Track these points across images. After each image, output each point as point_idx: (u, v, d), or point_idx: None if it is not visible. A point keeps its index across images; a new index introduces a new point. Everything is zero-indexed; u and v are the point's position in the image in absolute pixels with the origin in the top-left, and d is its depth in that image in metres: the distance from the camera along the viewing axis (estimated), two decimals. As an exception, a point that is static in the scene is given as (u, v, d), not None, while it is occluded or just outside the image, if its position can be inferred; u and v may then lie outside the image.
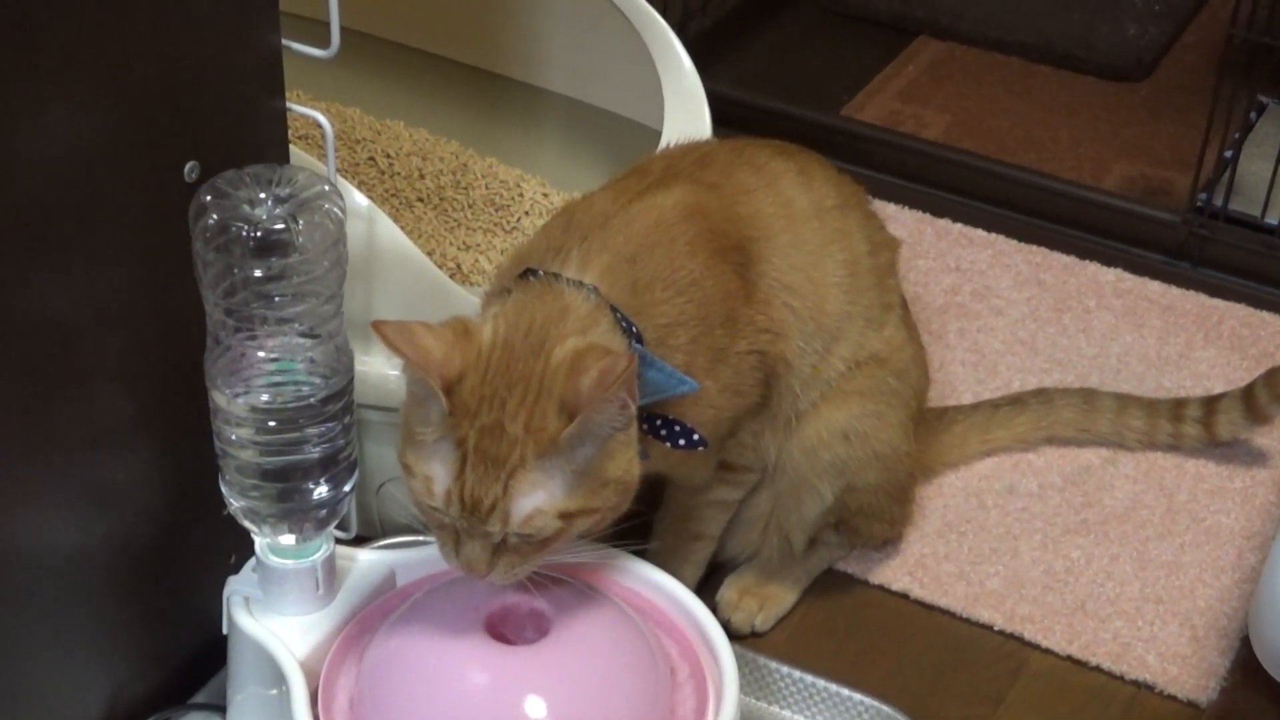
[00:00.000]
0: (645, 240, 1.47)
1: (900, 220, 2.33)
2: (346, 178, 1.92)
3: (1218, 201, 2.26)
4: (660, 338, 1.43)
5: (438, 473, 1.33)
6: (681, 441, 1.44)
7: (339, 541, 1.46)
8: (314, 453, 1.36)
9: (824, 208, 1.62)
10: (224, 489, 1.39)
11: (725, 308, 1.49)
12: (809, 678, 1.63)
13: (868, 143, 2.46)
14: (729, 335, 1.50)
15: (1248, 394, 1.91)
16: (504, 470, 1.30)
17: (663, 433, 1.43)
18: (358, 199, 1.62)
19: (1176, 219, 2.29)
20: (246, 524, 1.41)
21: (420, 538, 1.63)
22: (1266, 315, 2.20)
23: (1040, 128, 2.58)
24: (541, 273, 1.42)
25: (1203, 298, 2.23)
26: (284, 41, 1.43)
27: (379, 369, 1.65)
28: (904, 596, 1.81)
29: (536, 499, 1.31)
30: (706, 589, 1.73)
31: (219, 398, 1.34)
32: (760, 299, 1.54)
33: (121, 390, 1.40)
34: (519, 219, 2.08)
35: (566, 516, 1.32)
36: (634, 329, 1.40)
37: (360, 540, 1.62)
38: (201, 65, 1.36)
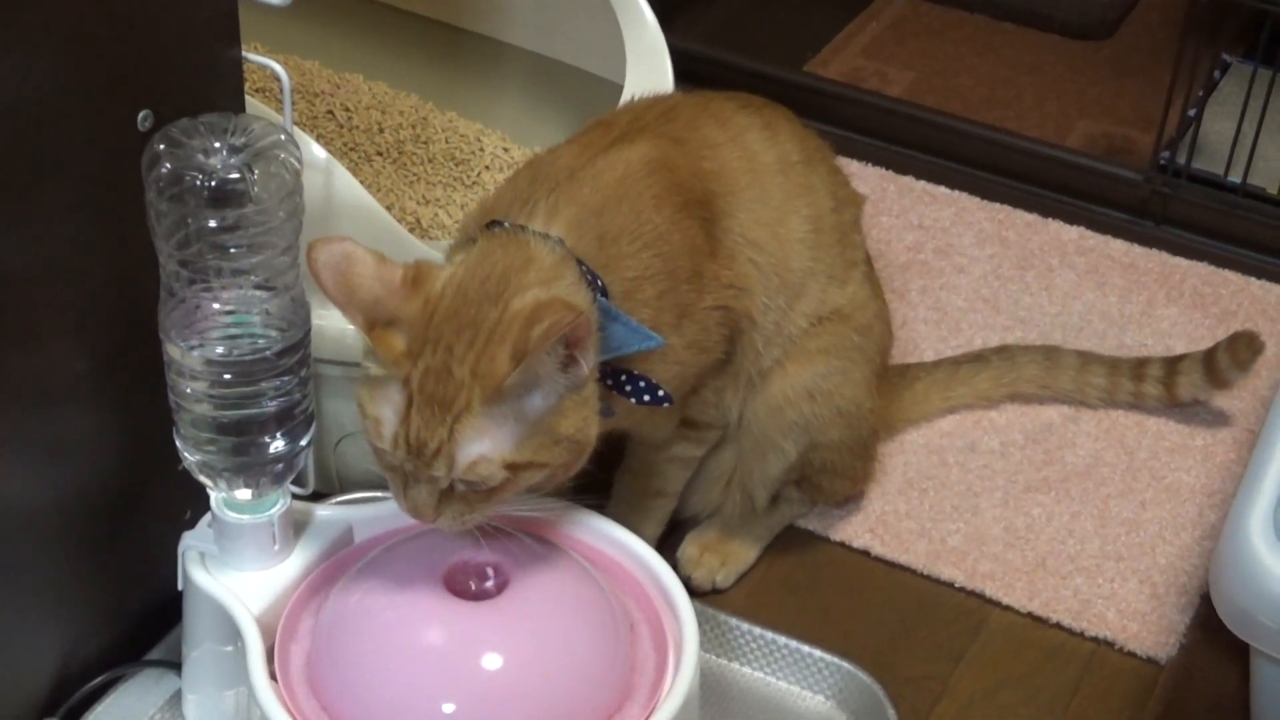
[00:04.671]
0: (612, 193, 1.45)
1: (863, 177, 2.33)
2: (305, 131, 1.90)
3: (1181, 160, 2.26)
4: (627, 291, 1.42)
5: (386, 414, 1.32)
6: (646, 397, 1.43)
7: (296, 497, 1.45)
8: (270, 406, 1.35)
9: (789, 163, 1.61)
10: (179, 443, 1.38)
11: (691, 263, 1.48)
12: (770, 634, 1.63)
13: (831, 99, 2.45)
14: (695, 291, 1.49)
15: (1209, 358, 1.91)
16: (450, 414, 1.30)
17: (627, 388, 1.43)
18: (316, 151, 1.61)
19: (1139, 177, 2.29)
20: (202, 479, 1.39)
21: (378, 494, 1.62)
22: (1228, 274, 2.20)
23: (1004, 85, 2.57)
24: (507, 224, 1.41)
25: (1165, 256, 2.23)
26: (240, -11, 1.41)
27: (337, 323, 1.64)
28: (865, 554, 1.81)
29: (481, 446, 1.30)
30: (667, 546, 1.72)
31: (173, 350, 1.33)
32: (725, 254, 1.53)
33: (74, 344, 1.39)
34: (479, 173, 2.07)
35: (513, 468, 1.32)
36: (599, 282, 1.39)
37: (318, 496, 1.61)
38: (156, 11, 1.34)
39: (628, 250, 1.44)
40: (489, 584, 1.40)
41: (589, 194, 1.45)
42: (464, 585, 1.40)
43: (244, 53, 1.45)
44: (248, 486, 1.39)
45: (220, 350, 1.33)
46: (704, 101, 1.63)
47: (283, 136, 1.31)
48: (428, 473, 1.31)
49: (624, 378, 1.42)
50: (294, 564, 1.44)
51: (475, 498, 1.34)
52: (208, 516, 1.43)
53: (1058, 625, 1.73)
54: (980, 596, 1.76)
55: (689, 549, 1.76)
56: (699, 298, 1.50)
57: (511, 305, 1.32)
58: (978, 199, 2.32)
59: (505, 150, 2.10)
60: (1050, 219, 2.28)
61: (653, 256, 1.45)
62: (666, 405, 1.45)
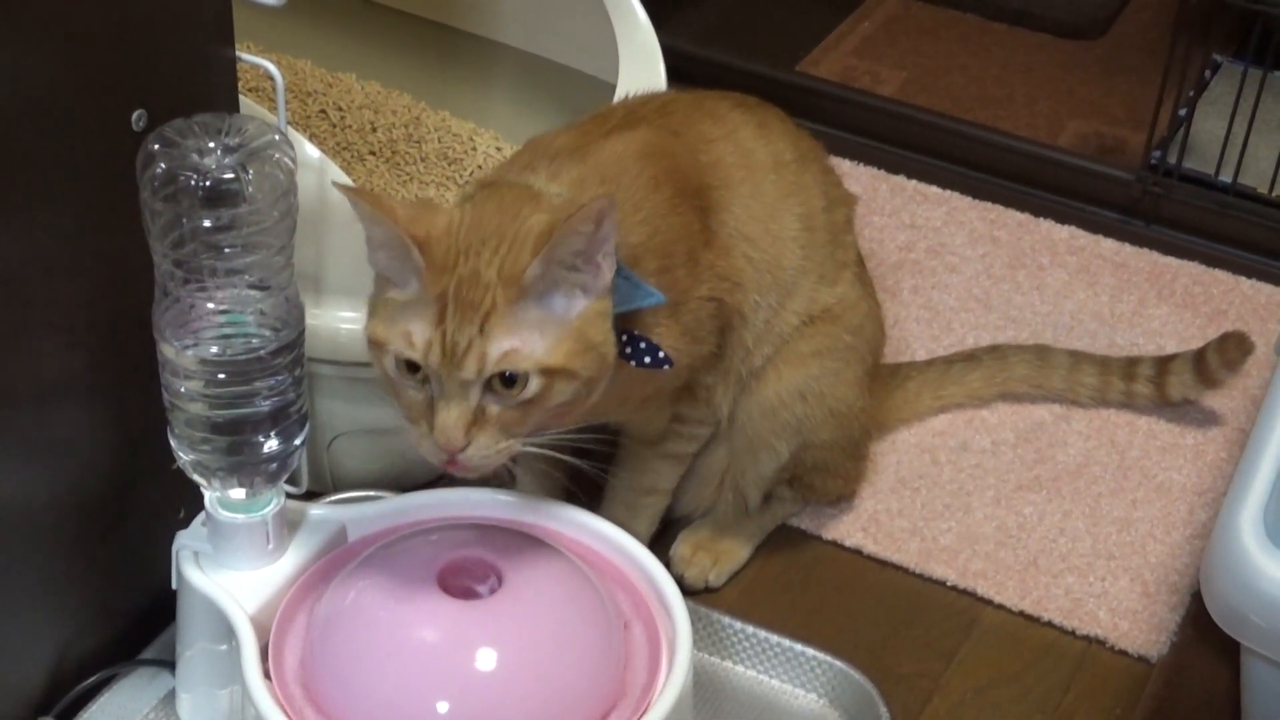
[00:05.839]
0: (612, 170, 1.46)
1: (855, 177, 2.33)
2: (298, 130, 1.89)
3: (1172, 159, 2.27)
4: (632, 258, 1.43)
5: (416, 326, 1.32)
6: (647, 359, 1.43)
7: (290, 496, 1.45)
8: (264, 406, 1.35)
9: (782, 161, 1.61)
10: (173, 442, 1.38)
11: (687, 248, 1.49)
12: (762, 633, 1.63)
13: (823, 99, 2.46)
14: (690, 277, 1.49)
15: (1199, 358, 1.91)
16: (479, 314, 1.31)
17: (628, 350, 1.43)
18: (309, 150, 1.61)
19: (1130, 177, 2.29)
20: (196, 478, 1.39)
21: (372, 493, 1.63)
22: (1219, 273, 2.21)
23: (995, 85, 2.58)
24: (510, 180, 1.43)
25: (1156, 255, 2.23)
26: (234, -11, 1.41)
27: (330, 322, 1.64)
28: (857, 552, 1.81)
29: (513, 341, 1.31)
30: (660, 544, 1.73)
31: (167, 350, 1.33)
32: (720, 246, 1.54)
33: (68, 343, 1.39)
34: (472, 173, 2.07)
35: (548, 373, 1.32)
36: None
37: (311, 495, 1.61)
38: (150, 11, 1.34)
39: (630, 221, 1.44)
40: (483, 583, 1.40)
41: (591, 167, 1.46)
42: (458, 584, 1.40)
43: (237, 53, 1.45)
44: (242, 486, 1.39)
45: (214, 350, 1.33)
46: (698, 99, 1.64)
47: (277, 136, 1.31)
48: (459, 376, 1.31)
49: (625, 338, 1.42)
50: (288, 563, 1.44)
51: (508, 418, 1.33)
52: (202, 515, 1.43)
53: (1049, 624, 1.74)
54: (972, 595, 1.77)
55: (681, 548, 1.76)
56: (694, 285, 1.50)
57: (529, 220, 1.34)
58: (969, 198, 2.32)
59: (498, 150, 2.10)
60: (1042, 218, 2.29)
61: (652, 232, 1.46)
62: (667, 369, 1.45)
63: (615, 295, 1.38)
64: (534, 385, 1.33)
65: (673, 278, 1.47)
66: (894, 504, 1.86)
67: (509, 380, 1.32)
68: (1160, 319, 2.13)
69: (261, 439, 1.37)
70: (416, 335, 1.32)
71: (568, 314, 1.34)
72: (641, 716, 1.35)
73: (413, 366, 1.33)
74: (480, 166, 2.08)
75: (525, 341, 1.32)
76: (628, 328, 1.42)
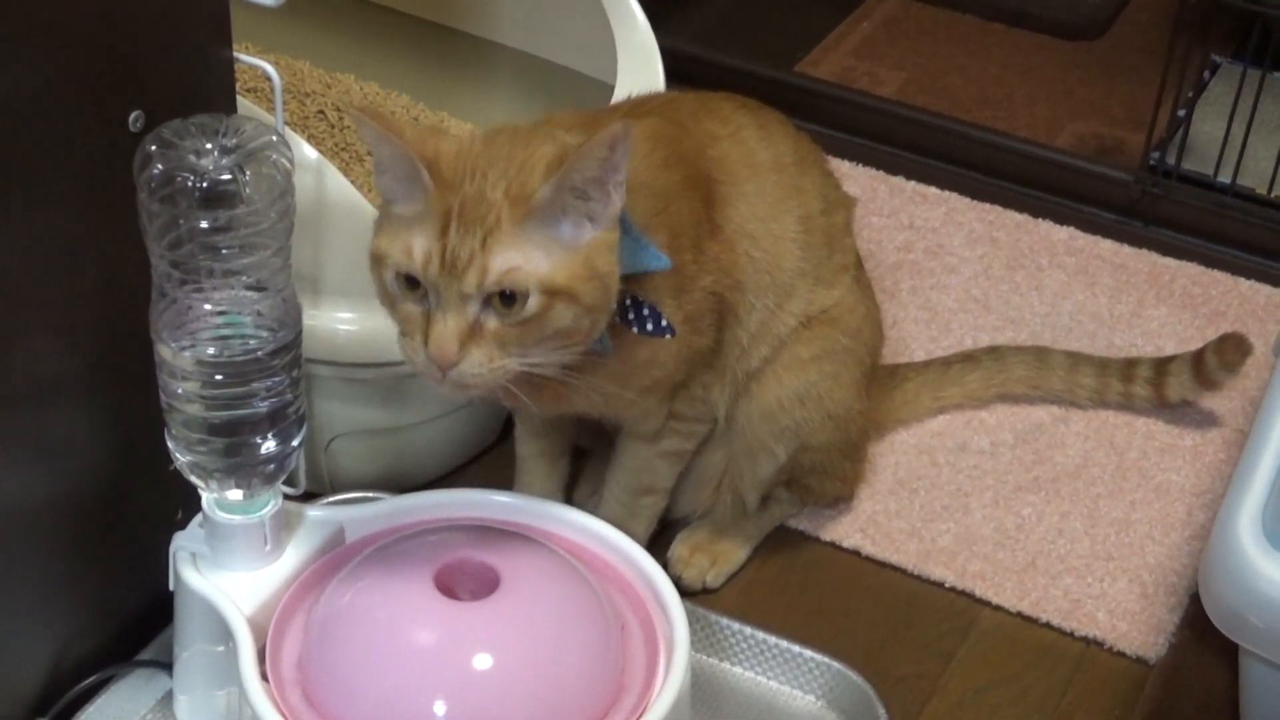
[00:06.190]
0: None
1: (854, 177, 2.33)
2: (296, 131, 1.90)
3: (1170, 160, 2.27)
4: (642, 227, 1.43)
5: (417, 240, 1.32)
6: (649, 326, 1.43)
7: (288, 497, 1.45)
8: (261, 407, 1.35)
9: (783, 164, 1.62)
10: (170, 444, 1.38)
11: (694, 233, 1.49)
12: (760, 634, 1.63)
13: (822, 99, 2.46)
14: (696, 264, 1.49)
15: (1198, 359, 1.91)
16: (482, 229, 1.31)
17: (630, 316, 1.42)
18: (307, 151, 1.61)
19: (1129, 178, 2.29)
20: (193, 479, 1.39)
21: (370, 494, 1.63)
22: (1217, 274, 2.21)
23: (994, 85, 2.58)
24: None
25: (1155, 256, 2.23)
26: (231, -10, 1.41)
27: (327, 323, 1.64)
28: (855, 554, 1.81)
29: (515, 258, 1.31)
30: (658, 546, 1.72)
31: (164, 351, 1.33)
32: (725, 239, 1.54)
33: (65, 344, 1.39)
34: (470, 174, 2.07)
35: (550, 292, 1.32)
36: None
37: (309, 496, 1.61)
38: (147, 12, 1.34)
39: (641, 193, 1.43)
40: (480, 584, 1.40)
41: None
42: (455, 585, 1.40)
43: (235, 53, 1.45)
44: (239, 487, 1.39)
45: (212, 351, 1.33)
46: (701, 99, 1.65)
47: (274, 137, 1.31)
48: (459, 288, 1.31)
49: (628, 302, 1.42)
50: (286, 564, 1.44)
51: (505, 335, 1.32)
52: (199, 517, 1.43)
53: (1047, 625, 1.74)
54: (970, 596, 1.77)
55: (679, 549, 1.76)
56: (699, 274, 1.50)
57: (542, 148, 1.34)
58: (968, 199, 2.32)
59: (496, 150, 2.10)
60: (1040, 219, 2.29)
61: (663, 208, 1.46)
62: (669, 337, 1.45)
63: (621, 254, 1.38)
64: (534, 304, 1.32)
65: (679, 260, 1.47)
66: (892, 505, 1.86)
67: (508, 298, 1.32)
68: (1159, 320, 2.13)
69: (259, 440, 1.37)
70: (416, 249, 1.32)
71: (576, 240, 1.34)
72: (639, 718, 1.35)
73: (412, 282, 1.33)
74: (479, 167, 2.07)
75: (528, 259, 1.31)
76: (632, 293, 1.43)
